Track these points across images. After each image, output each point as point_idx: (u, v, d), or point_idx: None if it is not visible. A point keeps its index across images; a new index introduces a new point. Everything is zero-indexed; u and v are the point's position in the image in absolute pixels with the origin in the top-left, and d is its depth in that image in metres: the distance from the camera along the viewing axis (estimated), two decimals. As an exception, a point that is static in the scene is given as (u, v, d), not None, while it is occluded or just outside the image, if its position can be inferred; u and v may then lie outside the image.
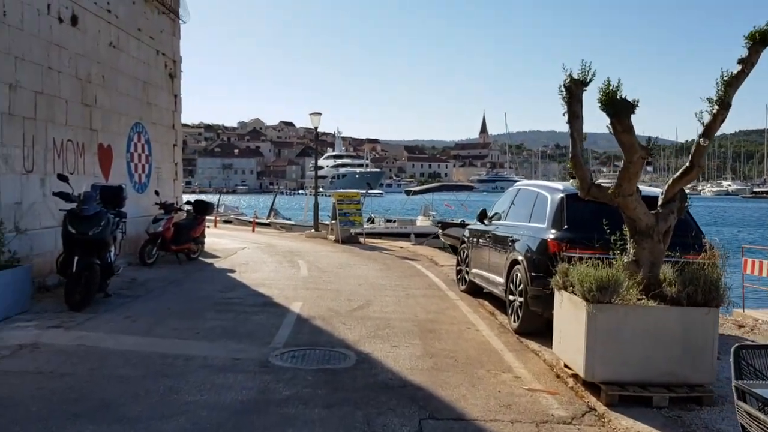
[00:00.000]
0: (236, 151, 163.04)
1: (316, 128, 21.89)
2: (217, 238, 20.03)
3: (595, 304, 5.53)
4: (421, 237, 22.72)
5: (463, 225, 18.74)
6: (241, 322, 7.95)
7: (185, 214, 14.83)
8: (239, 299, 9.50)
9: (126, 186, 10.42)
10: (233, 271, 12.67)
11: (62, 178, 8.80)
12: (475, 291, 10.56)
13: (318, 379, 5.65)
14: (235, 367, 5.88)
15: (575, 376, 5.95)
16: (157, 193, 13.78)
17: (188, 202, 14.91)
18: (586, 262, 6.01)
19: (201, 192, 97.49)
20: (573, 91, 6.18)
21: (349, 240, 20.06)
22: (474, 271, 10.34)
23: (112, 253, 9.23)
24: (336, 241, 19.99)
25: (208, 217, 30.39)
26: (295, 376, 5.70)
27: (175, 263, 13.38)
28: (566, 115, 6.26)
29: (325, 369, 5.97)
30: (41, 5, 9.94)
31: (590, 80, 6.18)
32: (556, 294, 6.37)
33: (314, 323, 8.04)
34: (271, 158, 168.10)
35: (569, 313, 6.03)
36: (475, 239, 10.51)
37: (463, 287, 10.97)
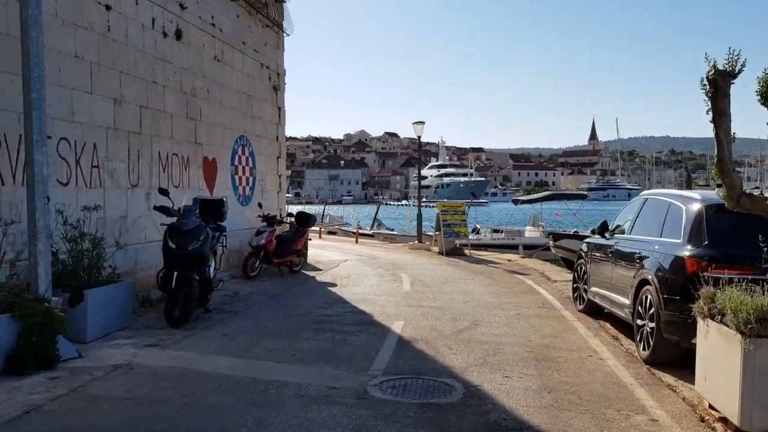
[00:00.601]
0: (342, 162, 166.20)
1: (419, 137, 21.42)
2: (320, 250, 19.91)
3: (753, 339, 4.58)
4: (531, 249, 21.64)
5: (576, 236, 17.57)
6: (339, 343, 7.47)
7: (288, 227, 14.70)
8: (338, 316, 9.06)
9: (228, 199, 10.29)
10: (334, 285, 12.31)
11: (163, 192, 8.73)
12: (594, 311, 9.59)
13: (421, 416, 5.02)
14: (330, 398, 5.36)
15: (724, 420, 5.01)
16: (260, 205, 13.71)
17: (290, 215, 14.77)
18: (737, 286, 5.07)
19: (308, 203, 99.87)
20: (719, 84, 5.26)
21: (454, 252, 19.36)
22: (593, 289, 9.39)
23: (211, 268, 9.05)
24: (440, 252, 19.35)
25: (311, 228, 30.66)
26: (396, 411, 5.10)
27: (278, 276, 13.21)
28: (710, 113, 5.34)
29: (429, 404, 5.33)
30: (146, 20, 10.01)
31: (739, 71, 5.26)
32: (700, 323, 5.42)
33: (416, 346, 7.43)
34: (375, 169, 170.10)
35: (718, 347, 5.08)
36: (594, 254, 9.55)
37: (581, 306, 10.01)
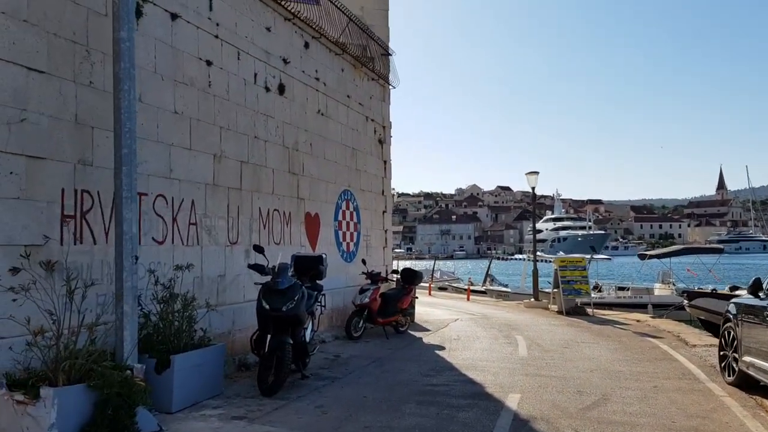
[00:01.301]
0: (454, 217, 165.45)
1: (533, 188, 20.33)
2: (429, 308, 19.05)
3: None
4: (662, 308, 19.68)
5: (715, 295, 15.67)
6: (444, 420, 6.54)
7: (394, 284, 13.99)
8: (445, 386, 8.12)
9: (331, 255, 9.76)
10: (442, 348, 11.37)
11: (258, 249, 8.29)
12: (748, 384, 8.07)
13: None
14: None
15: None
16: (364, 262, 13.13)
17: (395, 271, 14.07)
18: None
19: (419, 258, 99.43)
20: None
21: (575, 311, 17.85)
22: (747, 358, 7.90)
23: (308, 331, 8.44)
24: (559, 312, 17.91)
25: (421, 284, 29.76)
26: None
27: (383, 337, 12.45)
28: None
29: None
30: (248, 75, 9.87)
31: None
32: None
33: (535, 427, 6.35)
34: (488, 223, 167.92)
35: None
36: (746, 317, 8.09)
37: (731, 378, 8.49)
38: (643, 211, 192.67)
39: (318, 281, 9.27)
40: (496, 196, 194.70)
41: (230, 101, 9.39)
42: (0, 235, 5.73)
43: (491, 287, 28.42)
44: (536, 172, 20.26)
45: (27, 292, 5.51)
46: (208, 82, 8.90)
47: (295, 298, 7.70)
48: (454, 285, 31.37)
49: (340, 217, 13.13)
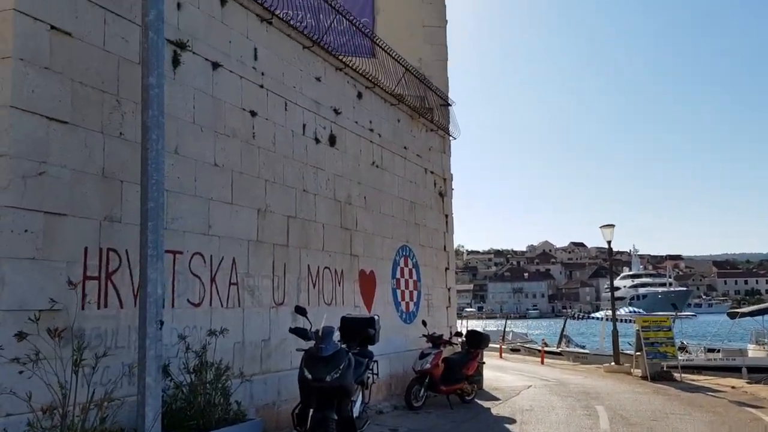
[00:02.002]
0: (526, 274, 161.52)
1: (609, 242, 19.00)
2: (499, 372, 17.76)
3: None
4: (758, 372, 17.68)
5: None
6: None
7: (459, 347, 12.94)
8: (515, 470, 7.02)
9: (379, 317, 8.90)
10: (513, 422, 10.20)
11: (299, 310, 7.54)
12: None
13: None
14: None
15: None
16: (424, 323, 12.18)
17: (458, 334, 12.98)
18: None
19: (489, 317, 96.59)
20: None
21: (661, 376, 16.19)
22: None
23: (357, 404, 7.55)
24: (643, 377, 16.29)
25: (491, 345, 28.25)
26: None
27: (446, 407, 11.35)
28: None
29: None
30: (296, 126, 9.38)
31: None
32: None
33: None
34: (562, 281, 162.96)
35: None
36: None
37: None
38: (726, 266, 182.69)
39: (369, 346, 8.42)
40: (569, 252, 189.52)
41: (276, 153, 8.87)
42: (11, 298, 5.21)
43: (567, 349, 26.66)
44: (611, 225, 18.97)
45: (35, 363, 4.93)
46: (252, 133, 8.43)
47: (341, 367, 6.86)
48: (527, 346, 29.67)
49: (398, 275, 12.32)
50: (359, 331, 8.33)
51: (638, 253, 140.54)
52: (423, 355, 11.39)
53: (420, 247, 13.42)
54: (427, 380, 11.27)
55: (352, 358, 7.17)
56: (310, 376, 6.80)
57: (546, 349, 27.53)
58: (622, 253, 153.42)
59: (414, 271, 13.03)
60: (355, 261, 10.78)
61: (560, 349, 26.74)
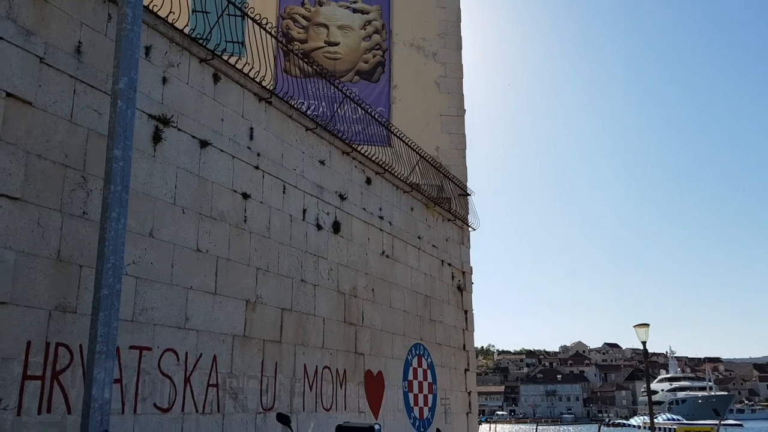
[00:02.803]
0: (559, 376, 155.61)
1: (644, 342, 17.56)
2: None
3: None
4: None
5: None
6: None
7: (479, 460, 11.56)
8: None
9: (381, 426, 7.78)
10: None
11: (282, 419, 6.50)
12: None
13: None
14: None
15: None
16: (439, 432, 10.96)
17: None
18: None
19: (520, 421, 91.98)
20: None
21: (711, 496, 14.37)
22: None
23: None
24: (690, 496, 14.47)
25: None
26: None
27: None
28: None
29: None
30: (295, 211, 8.68)
31: None
32: None
33: None
34: (596, 383, 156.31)
35: None
36: None
37: None
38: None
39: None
40: (603, 353, 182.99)
41: (271, 239, 8.13)
42: (-76, 401, 4.37)
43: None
44: (646, 324, 17.59)
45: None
46: (244, 216, 7.73)
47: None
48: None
49: (410, 376, 11.20)
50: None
51: (675, 355, 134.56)
52: (437, 470, 10.10)
53: (436, 345, 12.33)
54: (441, 499, 9.94)
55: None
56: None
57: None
58: (658, 354, 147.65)
59: (429, 372, 11.89)
60: (361, 360, 9.77)
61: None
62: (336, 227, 9.54)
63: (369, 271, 10.29)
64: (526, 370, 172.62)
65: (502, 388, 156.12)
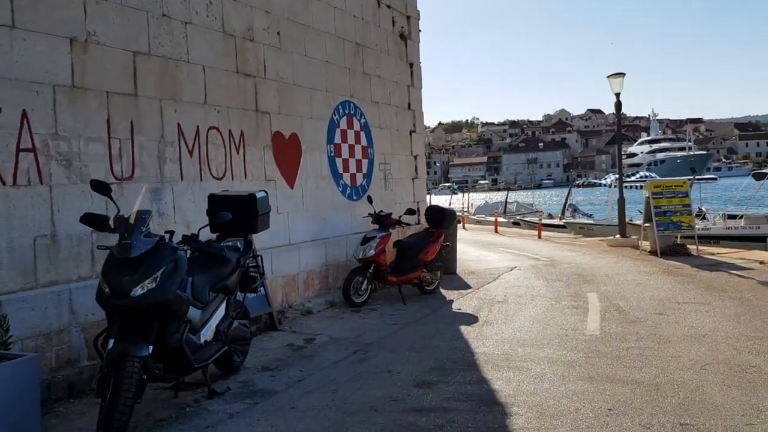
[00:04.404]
0: (541, 144, 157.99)
1: (617, 94, 15.88)
2: (486, 251, 15.46)
3: None
4: (790, 242, 15.18)
5: None
6: None
7: (408, 227, 10.45)
8: (440, 416, 4.64)
9: (266, 194, 6.22)
10: (474, 320, 7.84)
11: (98, 186, 4.87)
12: None
13: None
14: None
15: None
16: (370, 200, 9.62)
17: (411, 211, 10.15)
18: None
19: (503, 189, 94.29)
20: None
21: (673, 251, 13.75)
22: None
23: (211, 323, 5.10)
24: (652, 252, 13.87)
25: (487, 219, 26.00)
26: None
27: (397, 301, 9.05)
28: None
29: None
30: None
31: None
32: None
33: None
34: (578, 149, 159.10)
35: None
36: None
37: None
38: (749, 128, 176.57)
39: (250, 236, 5.89)
40: (586, 120, 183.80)
41: (104, -44, 5.92)
42: None
43: (572, 220, 24.24)
44: (621, 74, 15.81)
45: None
46: None
47: (159, 273, 4.35)
48: (527, 219, 27.30)
49: (337, 139, 9.61)
50: (242, 215, 5.76)
51: (657, 118, 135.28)
52: (366, 240, 8.93)
53: (372, 104, 10.59)
54: (371, 270, 8.89)
55: (181, 258, 4.61)
56: (108, 290, 4.31)
57: (549, 221, 25.26)
58: (640, 118, 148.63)
59: (362, 134, 10.30)
60: (265, 120, 8.06)
61: (564, 221, 24.35)
62: (214, -54, 7.24)
63: (271, 8, 8.17)
64: (509, 140, 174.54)
65: (485, 159, 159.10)
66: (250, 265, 5.81)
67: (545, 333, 7.07)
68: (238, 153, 7.55)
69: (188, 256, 4.86)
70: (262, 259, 6.01)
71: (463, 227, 26.04)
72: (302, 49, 8.78)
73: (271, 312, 7.49)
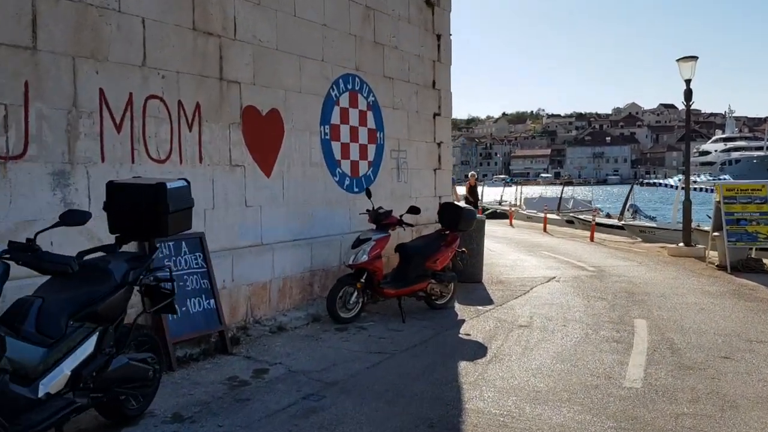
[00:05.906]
0: (608, 138, 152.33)
1: (687, 81, 13.65)
2: (525, 254, 13.64)
3: None
4: None
5: None
6: None
7: (408, 228, 8.77)
8: None
9: (188, 184, 4.65)
10: (482, 353, 6.16)
11: None
12: None
13: None
14: None
15: None
16: (368, 193, 7.96)
17: (413, 209, 8.23)
18: None
19: (566, 183, 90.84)
20: None
21: (747, 267, 11.58)
22: None
23: (49, 376, 3.60)
24: (720, 266, 11.76)
25: (535, 217, 23.81)
26: None
27: (396, 318, 7.44)
28: None
29: None
30: None
31: None
32: None
33: None
34: (647, 145, 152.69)
35: None
36: None
37: None
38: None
39: (151, 240, 4.39)
40: (657, 115, 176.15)
41: None
42: None
43: (632, 222, 21.94)
44: (693, 57, 13.61)
45: None
46: None
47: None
48: (581, 218, 25.01)
49: (335, 119, 8.03)
50: (136, 211, 4.26)
51: (734, 115, 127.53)
52: (359, 243, 7.33)
53: (384, 79, 8.96)
54: (364, 279, 7.31)
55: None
56: None
57: (606, 221, 23.05)
58: (715, 115, 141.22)
59: (370, 114, 8.68)
60: (234, 91, 6.55)
61: (623, 222, 22.05)
62: None
63: (246, -46, 6.63)
64: (574, 133, 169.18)
65: (548, 151, 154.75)
66: (161, 276, 4.32)
67: (569, 381, 5.34)
68: (190, 130, 6.07)
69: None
70: (171, 273, 4.46)
71: (510, 224, 24.11)
72: (290, 7, 7.22)
73: (222, 330, 6.00)
